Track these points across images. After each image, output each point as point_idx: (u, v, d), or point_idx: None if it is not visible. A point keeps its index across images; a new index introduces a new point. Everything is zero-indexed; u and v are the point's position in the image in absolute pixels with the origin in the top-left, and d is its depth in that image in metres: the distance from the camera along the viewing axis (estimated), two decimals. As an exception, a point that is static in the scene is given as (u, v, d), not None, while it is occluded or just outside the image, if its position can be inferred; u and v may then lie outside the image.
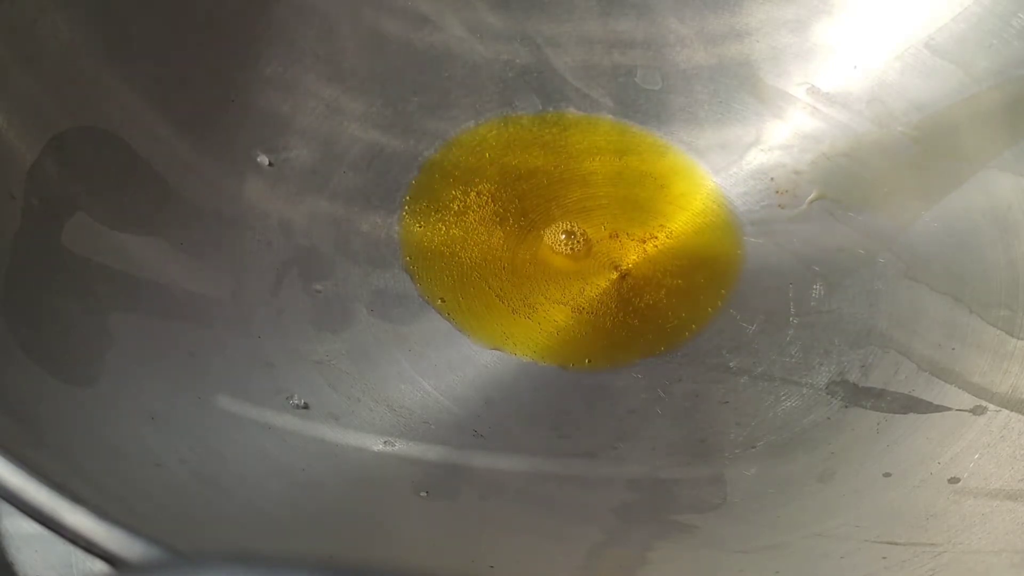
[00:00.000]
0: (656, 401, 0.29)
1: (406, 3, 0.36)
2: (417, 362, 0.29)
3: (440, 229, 0.33)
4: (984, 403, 0.27)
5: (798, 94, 0.35)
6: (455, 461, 0.27)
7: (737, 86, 0.36)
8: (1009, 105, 0.31)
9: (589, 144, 0.35)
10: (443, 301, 0.31)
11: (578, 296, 0.32)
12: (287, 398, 0.27)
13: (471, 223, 0.33)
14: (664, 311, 0.31)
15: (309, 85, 0.34)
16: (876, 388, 0.29)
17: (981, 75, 0.32)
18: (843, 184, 0.34)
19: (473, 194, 0.33)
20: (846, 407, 0.29)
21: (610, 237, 0.33)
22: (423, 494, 0.26)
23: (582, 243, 0.33)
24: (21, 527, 0.25)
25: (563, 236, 0.33)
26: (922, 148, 0.33)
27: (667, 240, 0.33)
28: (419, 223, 0.33)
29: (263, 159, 0.32)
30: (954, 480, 0.25)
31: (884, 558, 0.23)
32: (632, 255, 0.33)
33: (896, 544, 0.24)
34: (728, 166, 0.34)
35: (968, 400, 0.27)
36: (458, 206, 0.33)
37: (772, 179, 0.34)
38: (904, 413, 0.28)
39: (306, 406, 0.27)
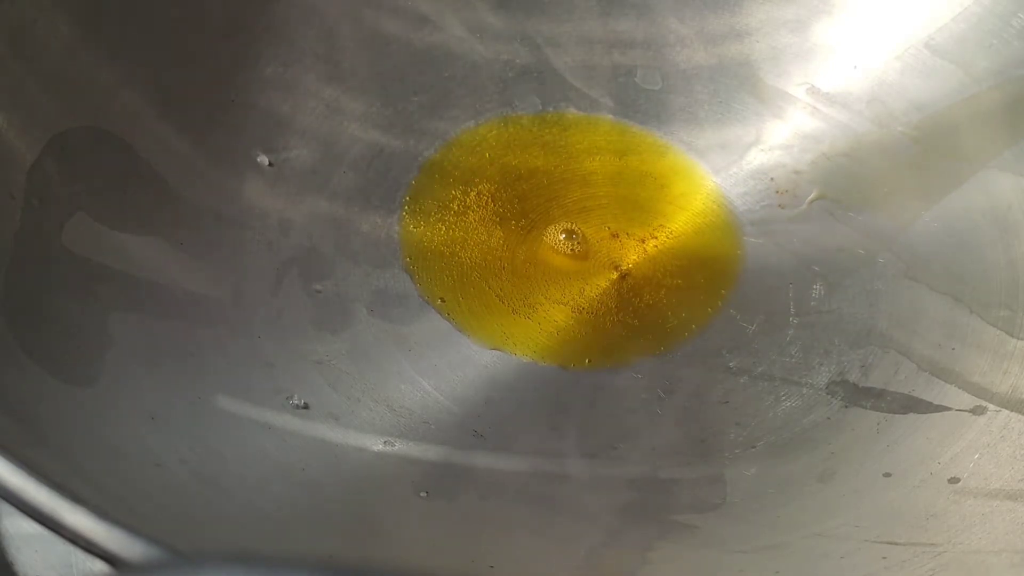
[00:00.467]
0: (656, 401, 0.29)
1: (406, 3, 0.36)
2: (417, 362, 0.29)
3: (440, 229, 0.33)
4: (984, 403, 0.27)
5: (798, 94, 0.35)
6: (455, 461, 0.27)
7: (737, 86, 0.36)
8: (1009, 105, 0.31)
9: (589, 144, 0.35)
10: (443, 301, 0.31)
11: (578, 296, 0.32)
12: (287, 398, 0.27)
13: (471, 223, 0.33)
14: (664, 311, 0.31)
15: (309, 85, 0.34)
16: (876, 388, 0.29)
17: (981, 75, 0.32)
18: (843, 184, 0.34)
19: (473, 194, 0.33)
20: (846, 407, 0.29)
21: (610, 237, 0.33)
22: (423, 494, 0.26)
23: (582, 243, 0.33)
24: (21, 527, 0.25)
25: (563, 236, 0.33)
26: (922, 148, 0.33)
27: (667, 240, 0.33)
28: (419, 223, 0.33)
29: (263, 159, 0.32)
30: (954, 480, 0.25)
31: (884, 558, 0.23)
32: (632, 255, 0.33)
33: (896, 544, 0.24)
34: (728, 166, 0.34)
35: (968, 400, 0.27)
36: (458, 206, 0.33)
37: (772, 179, 0.34)
38: (904, 413, 0.28)
39: (306, 406, 0.27)
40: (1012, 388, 0.27)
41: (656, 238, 0.33)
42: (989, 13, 0.32)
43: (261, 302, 0.29)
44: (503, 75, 0.36)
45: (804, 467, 0.27)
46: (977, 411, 0.27)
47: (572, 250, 0.33)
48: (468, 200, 0.33)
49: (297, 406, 0.27)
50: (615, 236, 0.33)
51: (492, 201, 0.33)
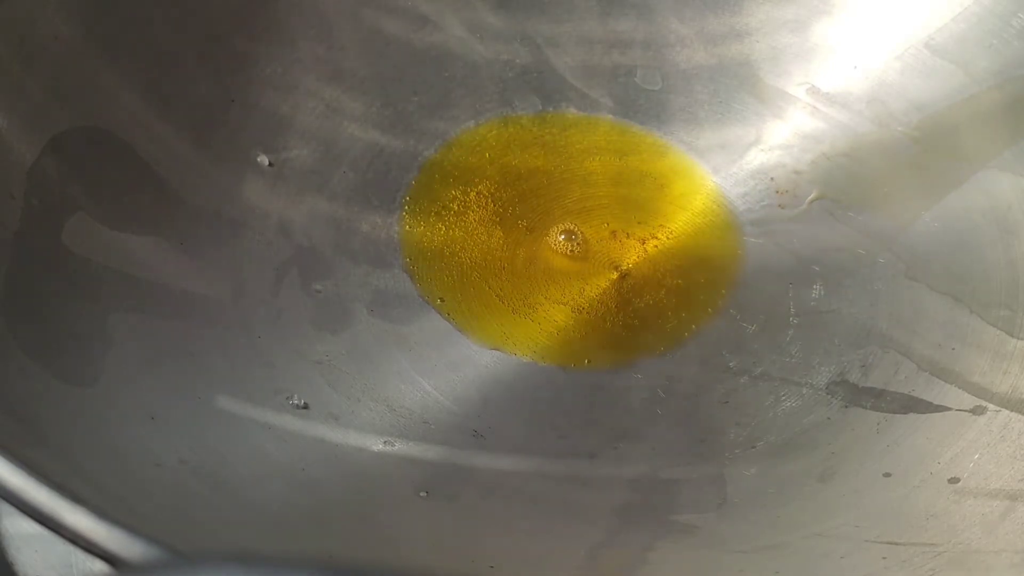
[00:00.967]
0: (656, 401, 0.29)
1: (406, 3, 0.36)
2: (417, 362, 0.29)
3: (440, 229, 0.33)
4: (984, 403, 0.27)
5: (798, 94, 0.35)
6: (455, 461, 0.27)
7: (737, 86, 0.36)
8: (1009, 105, 0.31)
9: (589, 144, 0.35)
10: (443, 301, 0.31)
11: (578, 296, 0.32)
12: (287, 398, 0.27)
13: (471, 223, 0.33)
14: (664, 311, 0.31)
15: (309, 85, 0.34)
16: (876, 388, 0.29)
17: (981, 75, 0.32)
18: (843, 184, 0.34)
19: (473, 194, 0.33)
20: (846, 407, 0.29)
21: (610, 237, 0.33)
22: (423, 494, 0.26)
23: (582, 243, 0.33)
24: (21, 527, 0.25)
25: (563, 236, 0.33)
26: (922, 148, 0.33)
27: (667, 240, 0.33)
28: (419, 223, 0.33)
29: (263, 159, 0.32)
30: (954, 480, 0.25)
31: (884, 558, 0.23)
32: (632, 255, 0.33)
33: (896, 544, 0.24)
34: (728, 166, 0.34)
35: (968, 400, 0.27)
36: (458, 206, 0.33)
37: (772, 179, 0.34)
38: (904, 413, 0.28)
39: (306, 406, 0.27)
40: (1012, 388, 0.27)
41: (656, 238, 0.33)
42: (989, 13, 0.32)
43: (261, 302, 0.29)
44: (503, 75, 0.36)
45: (804, 467, 0.27)
46: (977, 411, 0.27)
47: (572, 250, 0.33)
48: (468, 200, 0.33)
49: (297, 406, 0.27)
50: (615, 236, 0.33)
51: (492, 201, 0.33)
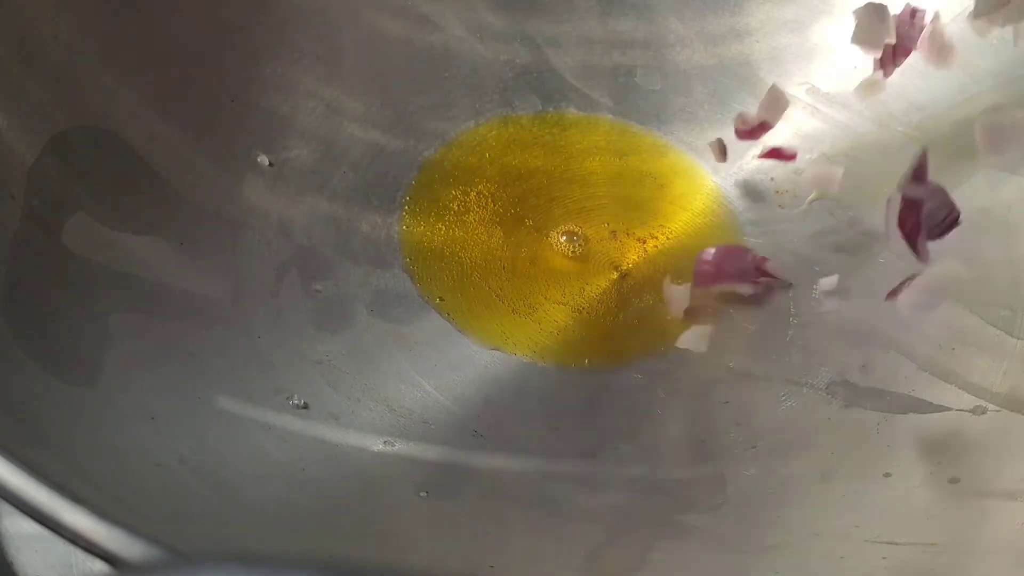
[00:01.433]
0: (656, 401, 0.29)
1: (406, 3, 0.36)
2: (417, 362, 0.29)
3: (440, 229, 0.33)
4: (984, 403, 0.27)
5: (798, 94, 0.35)
6: (455, 461, 0.27)
7: (737, 86, 0.36)
8: (1009, 105, 0.31)
9: (589, 144, 0.35)
10: (442, 301, 0.31)
11: (578, 296, 0.32)
12: (287, 398, 0.27)
13: (471, 223, 0.33)
14: (664, 311, 0.31)
15: (309, 85, 0.34)
16: (876, 388, 0.29)
17: (981, 75, 0.32)
18: (843, 184, 0.34)
19: (473, 194, 0.33)
20: (846, 407, 0.29)
21: (610, 237, 0.33)
22: (423, 494, 0.26)
23: (582, 243, 0.33)
24: (21, 527, 0.25)
25: (563, 237, 0.33)
26: (922, 148, 0.33)
27: (667, 240, 0.33)
28: (419, 223, 0.33)
29: (263, 159, 0.32)
30: (954, 480, 0.25)
31: (884, 558, 0.23)
32: (632, 255, 0.33)
33: (896, 544, 0.24)
34: (728, 166, 0.34)
35: (968, 400, 0.27)
36: (458, 206, 0.33)
37: (772, 179, 0.34)
38: (904, 413, 0.28)
39: (306, 406, 0.27)
40: (1012, 388, 0.27)
41: (656, 238, 0.33)
42: (989, 13, 0.32)
43: (261, 302, 0.29)
44: (503, 75, 0.36)
45: (804, 467, 0.27)
46: (977, 411, 0.27)
47: (572, 250, 0.33)
48: (468, 200, 0.33)
49: (297, 406, 0.27)
50: (615, 236, 0.33)
51: (492, 201, 0.33)
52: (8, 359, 0.22)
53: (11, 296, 0.23)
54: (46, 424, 0.21)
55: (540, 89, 0.36)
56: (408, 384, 0.29)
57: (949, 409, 0.28)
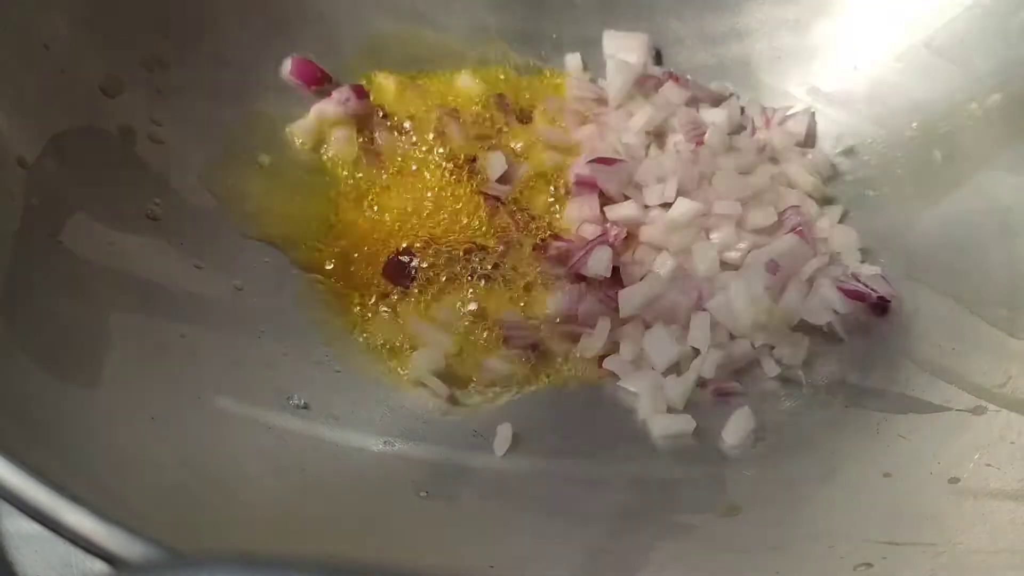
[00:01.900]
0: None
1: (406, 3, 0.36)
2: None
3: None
4: (984, 403, 0.27)
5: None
6: (455, 461, 0.27)
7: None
8: (1009, 105, 0.31)
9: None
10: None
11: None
12: (287, 398, 0.27)
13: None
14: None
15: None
16: (876, 388, 0.29)
17: (981, 75, 0.32)
18: (844, 184, 0.34)
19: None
20: (846, 407, 0.29)
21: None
22: (423, 494, 0.26)
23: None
24: (21, 527, 0.25)
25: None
26: (922, 148, 0.33)
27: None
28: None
29: (263, 159, 0.32)
30: (954, 480, 0.25)
31: (884, 558, 0.23)
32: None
33: (896, 544, 0.24)
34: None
35: (968, 400, 0.27)
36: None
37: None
38: (904, 413, 0.28)
39: (306, 406, 0.27)
40: (1012, 388, 0.27)
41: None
42: (989, 13, 0.32)
43: (261, 302, 0.29)
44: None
45: (804, 467, 0.27)
46: (977, 411, 0.27)
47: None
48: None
49: (297, 406, 0.27)
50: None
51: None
52: (8, 359, 0.22)
53: (11, 296, 0.23)
54: (46, 424, 0.21)
55: (540, 89, 0.36)
56: (408, 384, 0.29)
57: (949, 409, 0.28)
